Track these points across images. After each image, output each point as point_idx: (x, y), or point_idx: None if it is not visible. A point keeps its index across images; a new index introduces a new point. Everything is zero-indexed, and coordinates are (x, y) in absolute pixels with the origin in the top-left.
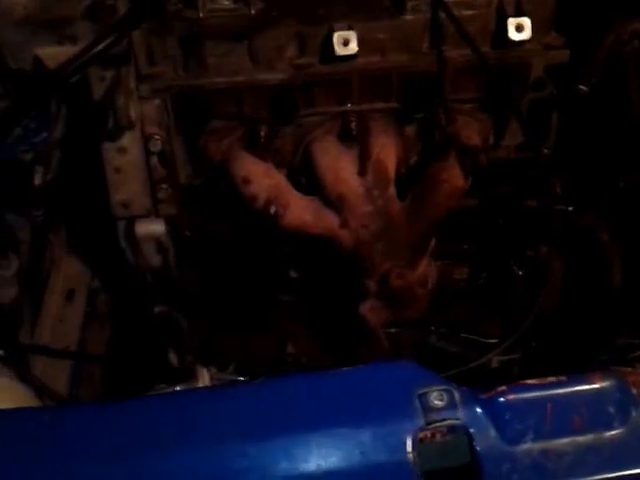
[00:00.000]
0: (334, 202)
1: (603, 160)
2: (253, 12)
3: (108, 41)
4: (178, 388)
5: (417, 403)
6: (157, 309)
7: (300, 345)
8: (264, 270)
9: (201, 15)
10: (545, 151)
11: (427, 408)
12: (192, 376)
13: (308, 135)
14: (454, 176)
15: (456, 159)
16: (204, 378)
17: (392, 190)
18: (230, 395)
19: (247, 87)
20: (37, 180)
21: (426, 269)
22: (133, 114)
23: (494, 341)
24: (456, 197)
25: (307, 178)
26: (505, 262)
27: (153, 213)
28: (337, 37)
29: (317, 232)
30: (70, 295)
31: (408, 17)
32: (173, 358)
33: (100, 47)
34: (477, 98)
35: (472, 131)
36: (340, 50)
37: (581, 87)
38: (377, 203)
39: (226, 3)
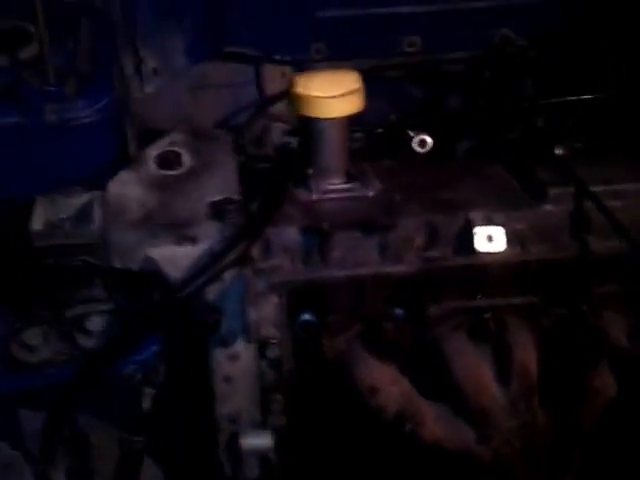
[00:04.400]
0: (473, 415)
1: None
2: (371, 194)
3: (240, 248)
4: None
5: None
6: None
7: None
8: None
9: (314, 197)
10: None
11: None
12: None
13: (432, 331)
14: (607, 385)
15: (607, 364)
16: None
17: (537, 400)
18: None
19: (370, 280)
20: (145, 404)
21: None
22: (251, 317)
23: None
24: (605, 407)
25: (429, 379)
26: None
27: (261, 426)
28: (480, 233)
29: (450, 447)
30: None
31: (549, 207)
32: None
33: (232, 256)
34: (622, 292)
35: (619, 330)
36: (483, 247)
37: None
38: (523, 417)
39: (338, 182)
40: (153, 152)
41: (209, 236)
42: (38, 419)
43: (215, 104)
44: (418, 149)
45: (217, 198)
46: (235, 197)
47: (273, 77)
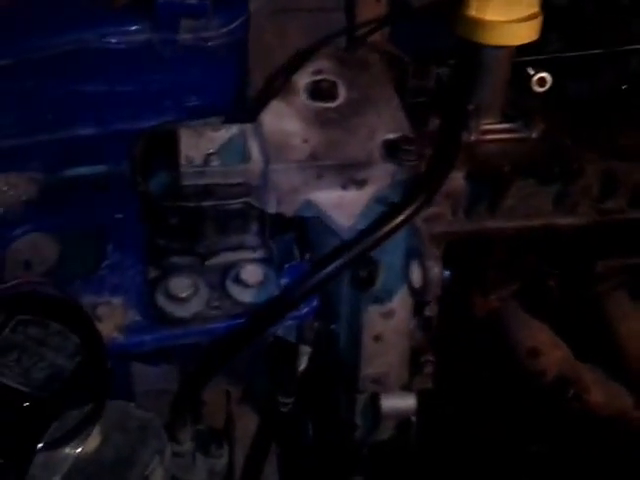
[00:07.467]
0: (635, 379)
1: None
2: (534, 135)
3: (419, 200)
4: None
5: None
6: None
7: None
8: (504, 445)
9: (472, 138)
10: None
11: None
12: None
13: (593, 289)
14: None
15: None
16: None
17: None
18: None
19: (538, 233)
20: (302, 364)
21: None
22: (434, 272)
23: None
24: None
25: (585, 340)
26: None
27: (406, 387)
28: None
29: (606, 412)
30: None
31: None
32: None
33: (412, 209)
34: None
35: None
36: None
37: None
38: None
39: (495, 121)
40: (301, 81)
41: (379, 179)
42: (157, 376)
43: (301, 31)
44: (537, 88)
45: (390, 136)
46: (411, 135)
47: (367, 2)
